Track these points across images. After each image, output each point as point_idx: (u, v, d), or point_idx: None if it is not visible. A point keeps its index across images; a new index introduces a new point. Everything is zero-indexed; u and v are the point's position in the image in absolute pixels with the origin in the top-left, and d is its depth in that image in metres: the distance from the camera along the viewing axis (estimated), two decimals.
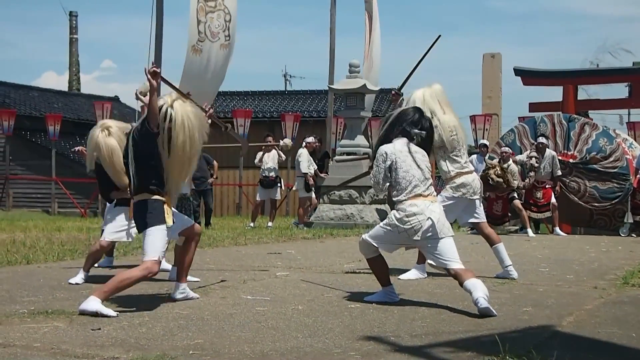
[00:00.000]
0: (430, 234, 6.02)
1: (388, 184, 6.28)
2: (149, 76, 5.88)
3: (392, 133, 6.34)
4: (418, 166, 6.19)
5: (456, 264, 6.01)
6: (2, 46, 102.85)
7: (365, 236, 6.29)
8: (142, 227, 6.03)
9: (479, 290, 5.74)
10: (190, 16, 13.35)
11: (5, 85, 34.59)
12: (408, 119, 6.36)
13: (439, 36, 7.71)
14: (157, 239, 5.95)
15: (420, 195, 6.10)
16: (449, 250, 6.05)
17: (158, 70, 5.96)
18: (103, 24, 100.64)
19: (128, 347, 4.58)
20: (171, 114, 5.99)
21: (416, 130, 6.32)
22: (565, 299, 6.61)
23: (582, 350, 4.62)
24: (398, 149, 6.21)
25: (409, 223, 6.02)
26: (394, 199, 6.18)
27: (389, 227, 6.15)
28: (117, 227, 7.74)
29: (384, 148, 6.24)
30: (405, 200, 6.09)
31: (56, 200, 28.25)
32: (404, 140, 6.29)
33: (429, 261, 6.20)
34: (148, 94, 6.09)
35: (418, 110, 6.53)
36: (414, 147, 6.29)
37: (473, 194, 7.72)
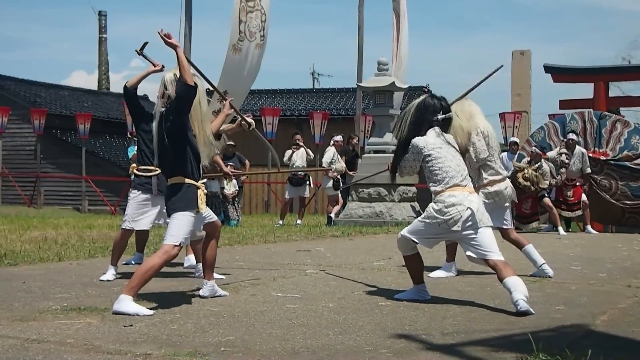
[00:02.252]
0: (470, 223, 5.98)
1: (412, 174, 6.36)
2: (166, 38, 5.90)
3: (422, 126, 6.30)
4: (453, 157, 6.17)
5: (496, 255, 5.96)
6: (33, 46, 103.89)
7: (404, 232, 6.25)
8: (171, 210, 5.99)
9: (519, 291, 5.68)
10: (232, 16, 13.57)
11: (36, 84, 34.93)
12: (430, 110, 6.31)
13: (501, 66, 7.63)
14: (182, 224, 5.92)
15: (457, 185, 6.06)
16: (489, 241, 6.00)
17: (169, 34, 5.95)
18: (132, 23, 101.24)
19: (160, 344, 4.60)
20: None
21: (442, 116, 6.30)
22: (598, 297, 6.55)
23: (616, 350, 4.57)
24: (431, 142, 6.17)
25: (448, 214, 5.98)
26: (431, 189, 6.15)
27: (427, 220, 6.11)
28: (135, 215, 7.78)
29: (417, 141, 6.19)
30: (443, 191, 6.06)
31: (86, 198, 28.52)
32: (436, 130, 6.26)
33: (468, 253, 6.11)
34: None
35: (433, 96, 6.49)
36: (447, 137, 6.28)
37: (505, 202, 7.67)
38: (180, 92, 5.87)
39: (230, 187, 16.05)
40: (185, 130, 5.99)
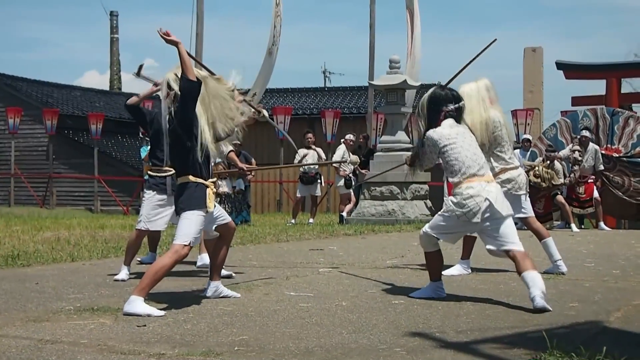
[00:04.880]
0: (488, 214, 5.94)
1: (429, 165, 6.36)
2: (165, 36, 5.86)
3: (434, 118, 6.28)
4: (469, 146, 6.14)
5: (516, 246, 5.93)
6: (45, 47, 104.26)
7: (426, 229, 6.23)
8: (180, 209, 5.97)
9: (537, 287, 5.64)
10: (271, 21, 14.11)
11: (48, 85, 35.05)
12: (441, 99, 6.30)
13: (495, 40, 7.59)
14: (191, 224, 5.88)
15: (474, 175, 6.03)
16: (508, 231, 5.98)
17: (168, 32, 5.90)
18: (144, 23, 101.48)
19: (174, 344, 4.59)
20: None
21: (453, 106, 6.27)
22: (613, 294, 6.51)
23: (632, 346, 4.53)
24: (446, 133, 6.15)
25: (466, 206, 5.95)
26: (449, 180, 6.13)
27: (447, 214, 6.08)
28: (150, 216, 7.78)
29: (432, 134, 6.18)
30: (460, 182, 6.03)
31: (99, 198, 28.58)
32: (449, 121, 6.24)
33: (488, 246, 6.08)
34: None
35: (442, 87, 6.50)
36: (461, 128, 6.25)
37: (518, 189, 7.62)
38: (184, 88, 5.86)
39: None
40: (192, 128, 5.97)
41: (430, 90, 6.46)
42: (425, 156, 6.28)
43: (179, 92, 5.94)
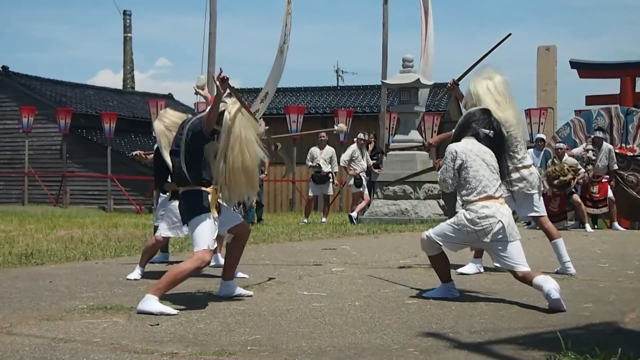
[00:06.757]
0: (500, 236, 5.98)
1: (456, 183, 6.20)
2: (218, 82, 5.83)
3: (464, 133, 6.29)
4: (487, 166, 6.12)
5: (524, 267, 5.98)
6: (59, 46, 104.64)
7: (430, 234, 6.20)
8: (186, 218, 5.99)
9: (549, 282, 5.69)
10: (282, 18, 14.21)
11: (61, 84, 35.11)
12: (476, 119, 6.31)
13: (509, 34, 7.52)
14: (204, 228, 5.89)
15: (491, 197, 6.04)
16: (517, 254, 6.03)
17: (227, 77, 5.88)
18: (157, 22, 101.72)
19: (187, 343, 4.60)
20: (228, 124, 5.93)
21: (485, 130, 6.25)
22: (627, 294, 6.48)
23: None
24: (468, 148, 6.14)
25: (480, 225, 5.97)
26: (463, 198, 6.12)
27: (457, 227, 6.08)
28: (171, 223, 7.78)
29: (453, 146, 6.18)
30: (476, 201, 6.02)
31: (112, 197, 28.63)
32: (474, 140, 6.23)
33: (495, 263, 6.16)
34: (204, 88, 6.10)
35: (486, 111, 6.46)
36: (483, 147, 6.22)
37: (530, 188, 7.55)
38: (196, 133, 5.92)
39: None
40: (200, 147, 6.00)
41: (476, 108, 6.48)
42: (447, 174, 6.16)
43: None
